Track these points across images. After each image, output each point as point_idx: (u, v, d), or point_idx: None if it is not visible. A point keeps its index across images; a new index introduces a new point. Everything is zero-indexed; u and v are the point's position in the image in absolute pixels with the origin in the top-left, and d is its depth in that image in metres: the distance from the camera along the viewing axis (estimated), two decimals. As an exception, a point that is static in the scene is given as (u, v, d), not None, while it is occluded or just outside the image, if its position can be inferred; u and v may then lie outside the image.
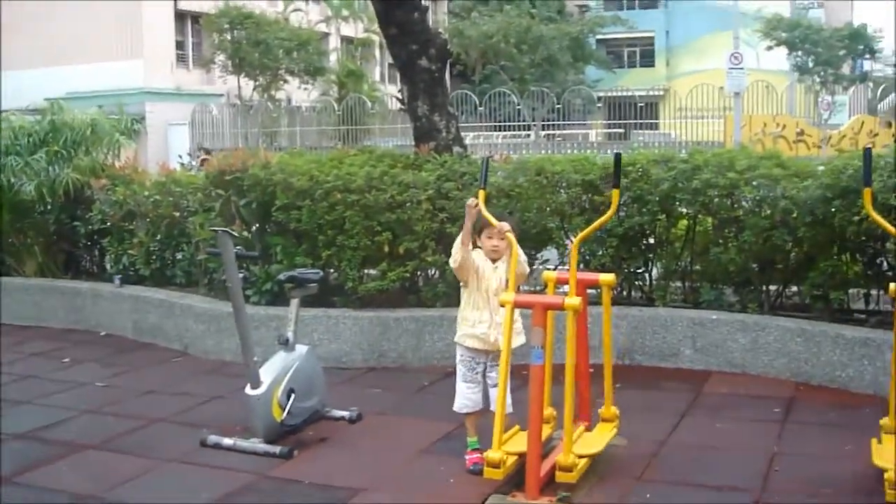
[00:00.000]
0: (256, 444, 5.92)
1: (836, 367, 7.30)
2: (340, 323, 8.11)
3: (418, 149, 8.84)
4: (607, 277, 5.80)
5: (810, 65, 34.80)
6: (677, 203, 7.99)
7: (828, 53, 37.47)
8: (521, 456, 5.24)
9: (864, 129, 30.41)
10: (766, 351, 7.61)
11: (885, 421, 5.64)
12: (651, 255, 8.42)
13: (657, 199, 7.95)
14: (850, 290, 7.95)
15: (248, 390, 5.97)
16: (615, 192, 4.94)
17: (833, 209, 7.30)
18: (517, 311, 5.32)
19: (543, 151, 25.65)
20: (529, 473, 5.05)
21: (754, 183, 7.66)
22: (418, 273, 8.50)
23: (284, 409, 5.97)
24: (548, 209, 8.21)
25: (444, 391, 7.23)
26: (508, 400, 5.55)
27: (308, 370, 6.25)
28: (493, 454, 5.09)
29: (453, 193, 8.13)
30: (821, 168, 7.83)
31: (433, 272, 8.49)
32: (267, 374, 6.01)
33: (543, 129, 33.85)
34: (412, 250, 8.16)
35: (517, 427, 5.55)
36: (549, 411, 5.69)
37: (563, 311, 5.15)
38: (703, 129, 33.15)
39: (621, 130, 36.97)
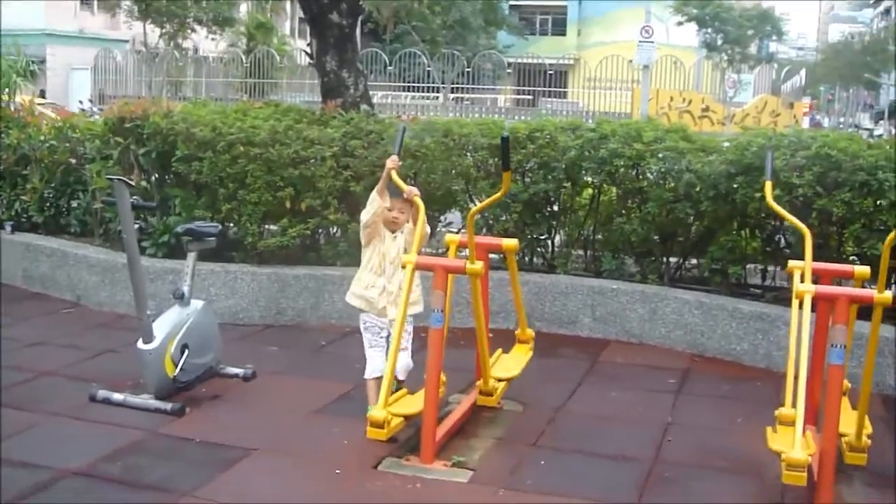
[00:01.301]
0: (148, 400, 5.76)
1: (731, 340, 7.41)
2: (238, 278, 7.95)
3: (325, 105, 8.67)
4: (510, 243, 5.77)
5: (719, 42, 35.34)
6: (583, 172, 7.99)
7: (736, 32, 38.06)
8: (408, 418, 5.19)
9: (766, 109, 31.06)
10: (664, 322, 7.69)
11: (782, 412, 5.66)
12: (554, 223, 8.42)
13: (563, 166, 7.95)
14: (748, 266, 8.07)
15: (141, 345, 5.79)
16: (506, 175, 4.90)
17: (736, 185, 7.37)
18: (416, 279, 5.28)
19: (451, 114, 25.58)
20: (426, 437, 5.01)
21: (660, 155, 7.70)
22: (319, 231, 8.37)
23: (177, 365, 5.81)
24: (453, 172, 8.14)
25: (341, 352, 7.18)
26: (407, 364, 5.51)
27: (203, 326, 6.10)
28: (377, 413, 4.98)
29: (359, 152, 8.01)
30: (725, 144, 7.91)
31: (335, 230, 8.37)
32: (160, 328, 5.84)
33: (452, 93, 33.74)
34: (314, 207, 8.02)
35: (405, 390, 5.48)
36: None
37: (464, 274, 5.10)
38: (611, 100, 33.50)
39: (530, 97, 37.12)
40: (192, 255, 6.15)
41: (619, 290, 7.85)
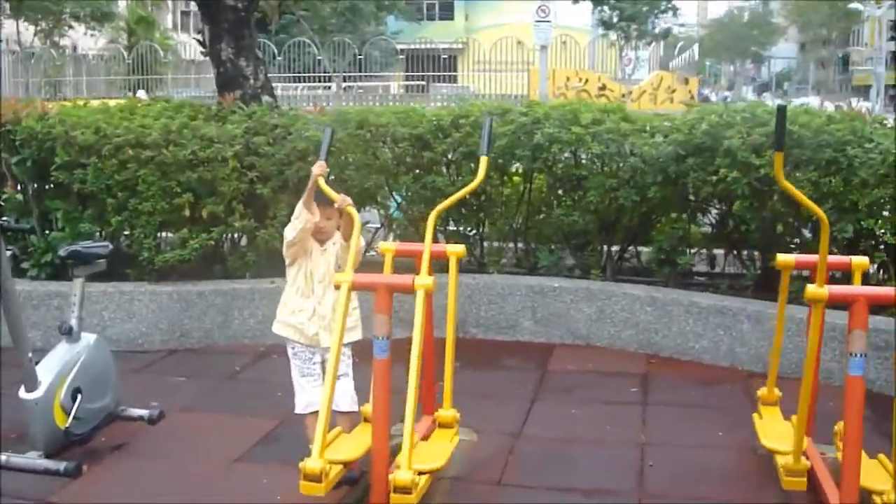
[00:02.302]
0: (35, 459, 4.79)
1: (688, 337, 6.77)
2: (135, 299, 6.99)
3: (222, 98, 7.74)
4: (456, 249, 4.98)
5: (615, 20, 35.05)
6: (514, 160, 7.24)
7: (632, 9, 37.76)
8: (347, 465, 4.37)
9: (662, 85, 30.87)
10: (613, 321, 7.01)
11: (763, 392, 5.11)
12: (483, 217, 7.66)
13: (493, 155, 7.19)
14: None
15: (23, 394, 4.82)
16: (485, 160, 4.08)
17: (687, 168, 6.72)
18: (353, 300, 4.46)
19: (345, 104, 24.68)
20: (376, 485, 4.18)
21: (602, 138, 6.98)
22: (224, 240, 7.47)
23: (69, 414, 4.86)
24: (370, 166, 7.30)
25: (259, 377, 6.35)
26: (351, 395, 4.70)
27: (97, 363, 5.16)
28: (311, 464, 4.05)
29: (264, 149, 7.14)
30: (666, 123, 7.25)
31: (241, 239, 7.48)
32: (46, 371, 4.88)
33: (344, 81, 32.79)
34: (217, 214, 7.13)
35: (339, 429, 4.64)
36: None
37: (411, 293, 4.30)
38: (505, 83, 32.98)
39: (422, 83, 36.48)
40: (78, 282, 5.19)
41: (562, 289, 7.13)
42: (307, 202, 4.58)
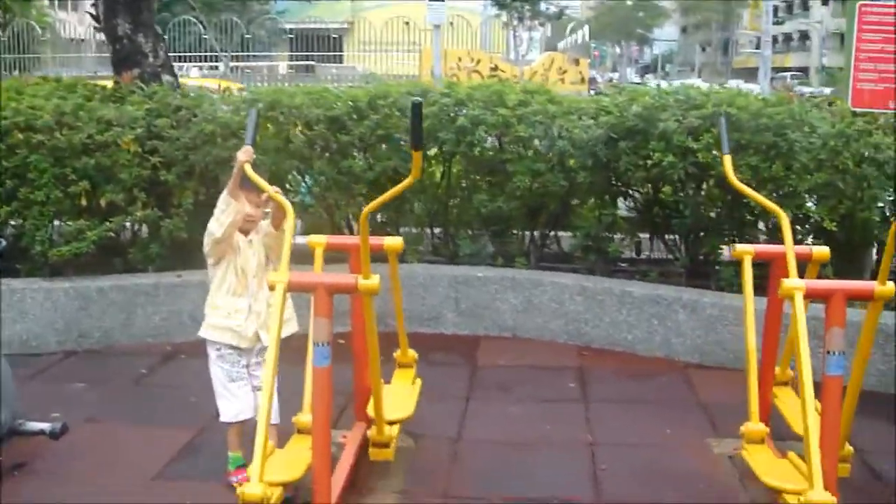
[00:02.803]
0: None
1: (621, 328, 6.51)
2: (27, 297, 6.38)
3: (120, 77, 7.16)
4: (394, 242, 4.59)
5: (508, 0, 34.84)
6: (435, 143, 6.84)
7: (525, -10, 37.60)
8: (286, 485, 3.94)
9: (553, 66, 30.75)
10: (541, 311, 6.71)
11: (749, 428, 4.67)
12: (399, 202, 7.24)
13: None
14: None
15: None
16: (417, 155, 3.66)
17: (619, 152, 6.44)
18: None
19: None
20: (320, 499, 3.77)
21: (529, 120, 6.64)
22: (124, 231, 6.91)
23: (-41, 434, 4.33)
24: (283, 150, 6.82)
25: (168, 381, 5.86)
26: (275, 406, 4.27)
27: (-10, 374, 4.62)
28: (252, 490, 3.52)
29: (168, 132, 6.62)
30: (592, 106, 6.96)
31: (142, 229, 6.93)
32: (-69, 385, 4.34)
33: (232, 62, 31.82)
34: (117, 203, 6.58)
35: (271, 445, 4.21)
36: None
37: (354, 293, 3.89)
38: (392, 63, 32.48)
39: (310, 63, 35.72)
40: (-32, 283, 4.64)
41: (487, 278, 6.79)
42: (233, 191, 4.13)
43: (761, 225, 6.70)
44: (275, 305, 3.73)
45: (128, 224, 6.84)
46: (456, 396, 5.63)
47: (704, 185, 6.46)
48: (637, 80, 57.76)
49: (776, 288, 4.39)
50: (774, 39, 64.23)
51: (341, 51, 41.13)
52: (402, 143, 6.84)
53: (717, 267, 6.71)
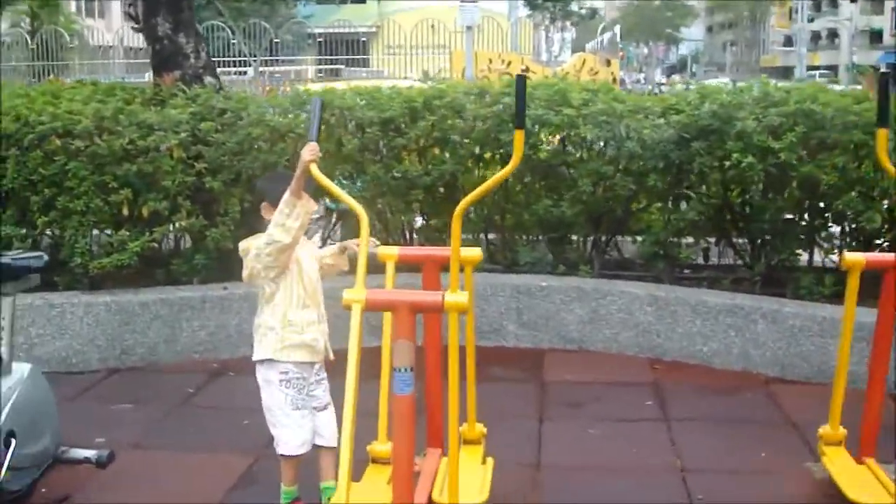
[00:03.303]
0: (-40, 523, 3.89)
1: (695, 339, 6.10)
2: (67, 312, 6.03)
3: (161, 79, 6.81)
4: (472, 254, 4.19)
5: (539, 0, 34.47)
6: (498, 146, 6.44)
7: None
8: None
9: (585, 67, 30.18)
10: (609, 323, 6.31)
11: (826, 431, 4.39)
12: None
13: (472, 140, 6.43)
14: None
15: (-59, 443, 3.91)
16: (519, 134, 3.25)
17: (692, 153, 6.04)
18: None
19: (261, 89, 23.59)
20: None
21: (596, 120, 6.24)
22: (167, 241, 6.56)
23: (2, 467, 3.96)
24: (335, 154, 6.46)
25: (218, 401, 5.49)
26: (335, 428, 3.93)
27: (33, 399, 4.22)
28: None
29: (213, 137, 6.26)
30: (658, 105, 6.57)
31: (186, 240, 6.59)
32: (-30, 414, 3.97)
33: (262, 66, 31.55)
34: (160, 212, 6.22)
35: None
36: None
37: (442, 313, 3.50)
38: (422, 66, 32.13)
39: (339, 67, 35.43)
40: (7, 303, 4.25)
41: (551, 288, 6.39)
42: (298, 192, 3.74)
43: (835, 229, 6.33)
44: (352, 327, 3.34)
45: (171, 234, 6.48)
46: (527, 416, 5.24)
47: (787, 188, 6.04)
48: (663, 80, 57.24)
49: (890, 298, 4.03)
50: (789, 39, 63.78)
51: (368, 54, 40.88)
52: (459, 146, 6.47)
53: (793, 274, 6.30)
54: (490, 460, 4.27)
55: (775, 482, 4.43)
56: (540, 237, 6.88)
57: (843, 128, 5.72)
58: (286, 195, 3.73)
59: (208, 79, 7.03)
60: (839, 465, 4.18)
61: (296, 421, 3.95)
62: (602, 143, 6.38)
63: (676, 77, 64.51)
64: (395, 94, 6.58)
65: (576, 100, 6.33)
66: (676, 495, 4.28)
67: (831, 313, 5.77)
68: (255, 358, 3.99)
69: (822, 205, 6.17)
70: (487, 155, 6.67)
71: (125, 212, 6.18)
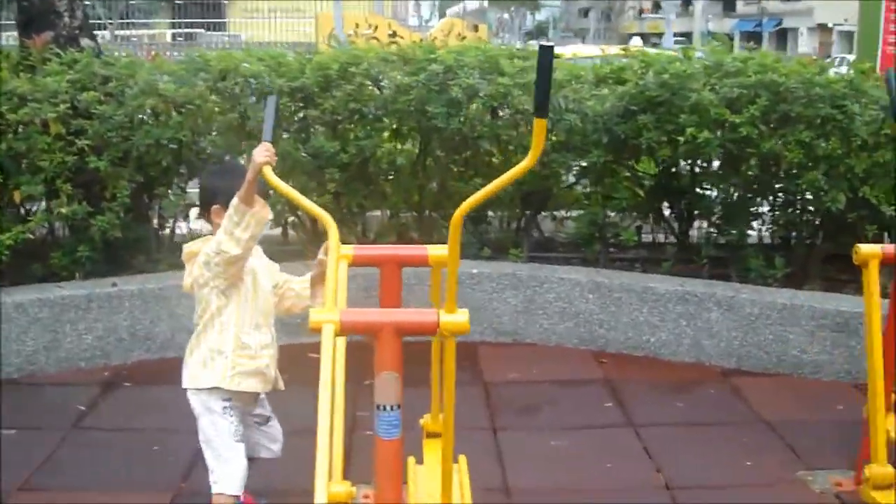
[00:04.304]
0: None
1: (642, 329, 5.60)
2: (-75, 318, 5.12)
3: (31, 41, 5.88)
4: (440, 252, 3.53)
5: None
6: (423, 117, 5.77)
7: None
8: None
9: (453, 32, 29.64)
10: (546, 312, 5.75)
11: (874, 470, 3.84)
12: (372, 188, 6.18)
13: (393, 111, 5.75)
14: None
15: None
16: (541, 124, 2.55)
17: (638, 126, 5.51)
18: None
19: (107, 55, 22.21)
20: None
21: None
22: (45, 231, 5.69)
23: None
24: (238, 129, 5.70)
25: (116, 420, 4.72)
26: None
27: None
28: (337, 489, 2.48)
29: (96, 109, 5.41)
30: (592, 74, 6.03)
31: (66, 229, 5.72)
32: None
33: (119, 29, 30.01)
34: (35, 197, 5.36)
35: None
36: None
37: (432, 336, 2.86)
38: (283, 31, 31.25)
39: (200, 30, 34.18)
40: None
41: (482, 275, 5.78)
42: (249, 198, 3.03)
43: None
44: (324, 352, 2.64)
45: (48, 222, 5.61)
46: (478, 426, 4.62)
47: (743, 166, 5.57)
48: (520, 46, 57.34)
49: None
50: (656, 5, 64.56)
51: (224, 17, 39.47)
52: (377, 120, 5.81)
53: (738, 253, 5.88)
54: (462, 458, 3.64)
55: (774, 497, 3.96)
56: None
57: (808, 101, 5.26)
58: (235, 201, 3.01)
59: (85, 41, 6.11)
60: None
61: (238, 453, 3.28)
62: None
63: (533, 43, 64.57)
64: (305, 61, 5.83)
65: (508, 68, 5.70)
66: (671, 521, 3.75)
67: (790, 299, 5.36)
68: (195, 385, 3.27)
69: (777, 184, 5.75)
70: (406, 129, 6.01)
71: (-7, 198, 5.29)
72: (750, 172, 5.53)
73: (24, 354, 5.22)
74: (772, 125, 5.36)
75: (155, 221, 5.99)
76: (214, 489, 3.30)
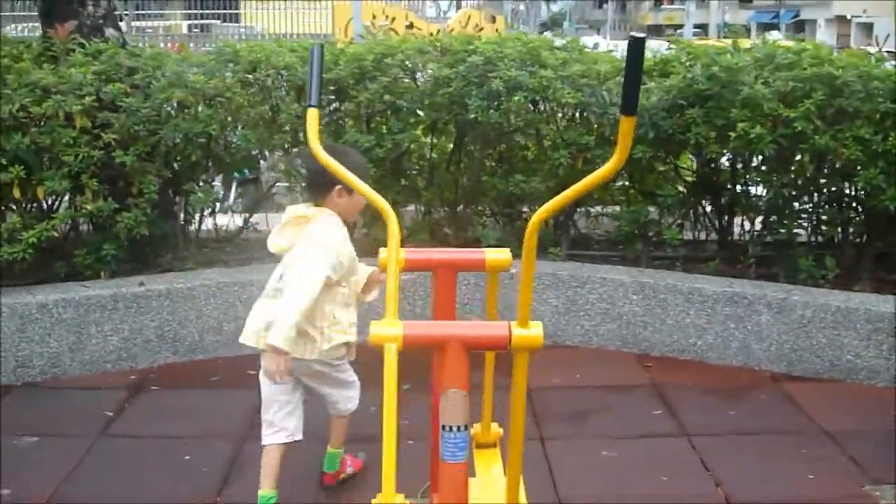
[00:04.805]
0: None
1: (688, 332, 5.38)
2: (-54, 319, 4.93)
3: (53, 31, 5.68)
4: (499, 256, 3.31)
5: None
6: (463, 110, 5.55)
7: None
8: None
9: (470, 23, 29.40)
10: (589, 314, 5.54)
11: None
12: (409, 185, 5.99)
13: (430, 104, 5.54)
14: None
15: None
16: (628, 122, 2.29)
17: (687, 121, 5.28)
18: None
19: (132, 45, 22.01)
20: None
21: (577, 83, 5.41)
22: (69, 228, 5.49)
23: None
24: (269, 123, 5.50)
25: (145, 426, 4.52)
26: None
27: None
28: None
29: (122, 102, 5.21)
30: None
31: (91, 226, 5.53)
32: None
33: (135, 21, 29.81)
34: (60, 193, 5.17)
35: None
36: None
37: (504, 351, 2.65)
38: (298, 21, 31.02)
39: (215, 21, 33.96)
40: None
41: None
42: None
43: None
44: (387, 368, 2.42)
45: (73, 219, 5.42)
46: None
47: (793, 162, 5.34)
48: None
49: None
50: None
51: (239, 9, 39.29)
52: (412, 113, 5.60)
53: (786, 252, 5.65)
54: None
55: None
56: (494, 218, 6.08)
57: (867, 95, 5.02)
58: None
59: (110, 31, 5.90)
60: None
61: (287, 415, 3.50)
62: (582, 109, 5.55)
63: (549, 34, 64.22)
64: (339, 52, 5.62)
65: (550, 60, 5.48)
66: (737, 540, 3.53)
67: (844, 301, 5.13)
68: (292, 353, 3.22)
69: (822, 180, 5.52)
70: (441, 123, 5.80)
71: (16, 194, 5.08)
72: (799, 169, 5.29)
73: (47, 357, 5.03)
74: (827, 120, 5.11)
75: (181, 217, 5.78)
76: (279, 441, 3.47)
